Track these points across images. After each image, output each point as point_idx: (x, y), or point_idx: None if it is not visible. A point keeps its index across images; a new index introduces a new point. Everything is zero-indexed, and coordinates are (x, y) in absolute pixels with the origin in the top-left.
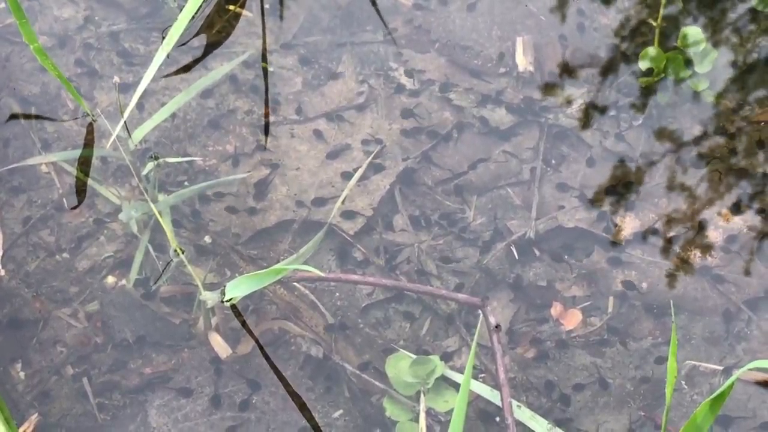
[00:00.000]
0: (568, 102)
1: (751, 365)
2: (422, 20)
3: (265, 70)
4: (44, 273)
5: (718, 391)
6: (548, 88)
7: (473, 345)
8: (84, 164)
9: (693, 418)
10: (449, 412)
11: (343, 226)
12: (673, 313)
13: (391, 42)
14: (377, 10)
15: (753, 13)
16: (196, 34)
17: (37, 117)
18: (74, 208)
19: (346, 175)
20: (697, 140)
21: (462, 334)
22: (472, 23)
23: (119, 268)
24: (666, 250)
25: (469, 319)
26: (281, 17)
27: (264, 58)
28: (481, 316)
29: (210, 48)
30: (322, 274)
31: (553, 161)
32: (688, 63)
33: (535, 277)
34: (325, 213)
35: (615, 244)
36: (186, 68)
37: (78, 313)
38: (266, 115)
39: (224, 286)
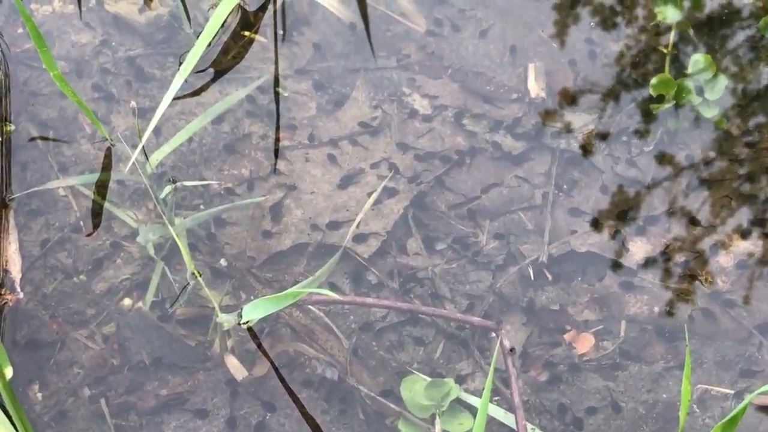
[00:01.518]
0: (580, 128)
1: (765, 387)
2: (435, 46)
3: (278, 95)
4: (62, 295)
5: (730, 415)
6: (560, 114)
7: (492, 366)
8: (101, 188)
9: None
10: None
11: (357, 249)
12: (687, 336)
13: (404, 68)
14: (390, 36)
15: (762, 39)
16: (212, 60)
17: (54, 140)
18: (89, 234)
19: (360, 199)
20: (708, 166)
21: (476, 357)
22: (484, 50)
23: (136, 291)
24: (677, 275)
25: (482, 342)
26: (296, 43)
27: (277, 83)
28: (496, 339)
29: (225, 73)
30: (338, 297)
31: (565, 186)
32: (699, 90)
33: (548, 301)
34: (339, 236)
35: (627, 268)
36: (201, 93)
37: (95, 334)
38: (277, 140)
39: (241, 309)
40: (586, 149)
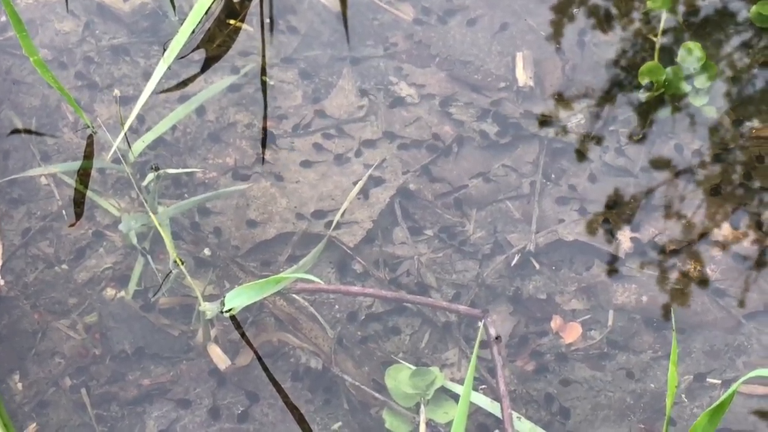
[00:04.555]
0: (568, 117)
1: (751, 374)
2: (422, 35)
3: (264, 84)
4: (43, 284)
5: (717, 402)
6: (548, 103)
7: (475, 352)
8: (83, 176)
9: (692, 430)
10: (449, 424)
11: (343, 238)
12: (673, 321)
13: (391, 56)
14: (378, 25)
15: (752, 28)
16: (197, 48)
17: (37, 132)
18: (72, 225)
19: (346, 188)
20: (697, 155)
21: (461, 347)
22: (472, 38)
23: (118, 280)
24: (666, 264)
25: (468, 332)
26: (282, 31)
27: (264, 72)
28: (481, 328)
29: (210, 62)
30: (322, 285)
31: (553, 175)
32: (688, 78)
33: (535, 291)
34: (324, 225)
35: (615, 257)
36: (187, 82)
37: (77, 324)
38: (265, 128)
39: (224, 297)
40: (575, 138)
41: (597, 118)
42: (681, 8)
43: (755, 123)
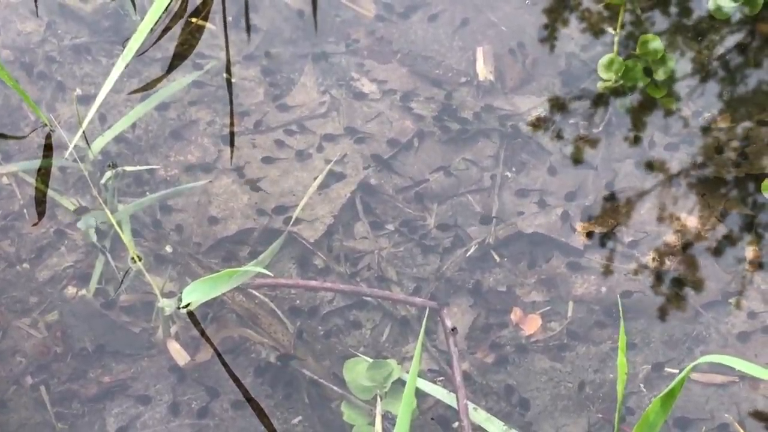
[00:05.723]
0: (528, 110)
1: (703, 359)
2: (384, 31)
3: (228, 81)
4: (4, 283)
5: (668, 388)
6: (508, 97)
7: (419, 339)
8: (44, 175)
9: (645, 416)
10: None
11: (304, 233)
12: (621, 309)
13: (353, 53)
14: (339, 22)
15: (711, 20)
16: (159, 46)
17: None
18: (35, 224)
19: (307, 184)
20: (655, 146)
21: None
22: (433, 34)
23: (79, 278)
24: (624, 255)
25: (429, 325)
26: (244, 29)
27: (227, 70)
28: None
29: (173, 60)
30: (280, 279)
31: (513, 168)
32: (647, 70)
33: (495, 283)
34: (285, 221)
35: (574, 249)
36: (149, 80)
37: (38, 323)
38: (231, 125)
39: (181, 293)
40: (534, 131)
41: (556, 111)
42: (641, 2)
43: (714, 114)
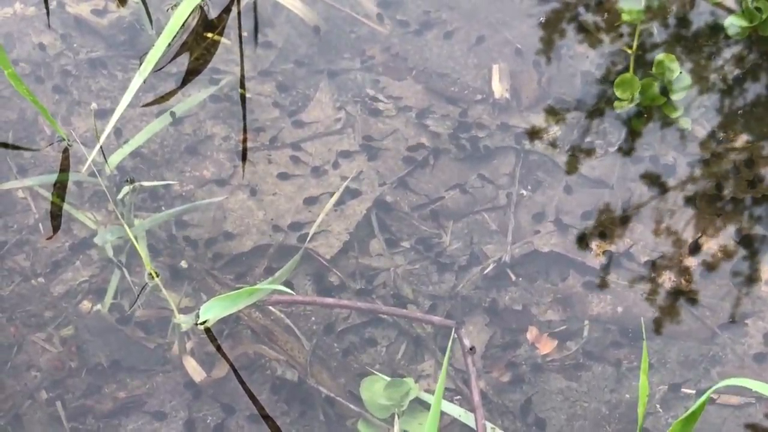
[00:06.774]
0: (544, 128)
1: (723, 383)
2: (399, 48)
3: (242, 97)
4: (19, 298)
5: (689, 411)
6: (524, 115)
7: (446, 361)
8: (60, 189)
9: None
10: None
11: (319, 250)
12: (643, 330)
13: (368, 69)
14: (355, 38)
15: (727, 41)
16: (175, 61)
17: (13, 145)
18: (49, 238)
19: (323, 200)
20: (672, 166)
21: (438, 358)
22: (448, 51)
23: (95, 293)
24: (641, 275)
25: (444, 343)
26: (259, 45)
27: (242, 85)
28: (456, 338)
29: (188, 75)
30: (297, 296)
31: (529, 187)
32: (663, 90)
33: (511, 302)
34: (301, 237)
35: (590, 268)
36: (164, 95)
37: (53, 337)
38: (244, 141)
39: (199, 309)
40: (551, 150)
41: (573, 130)
42: (656, 21)
43: (730, 134)
